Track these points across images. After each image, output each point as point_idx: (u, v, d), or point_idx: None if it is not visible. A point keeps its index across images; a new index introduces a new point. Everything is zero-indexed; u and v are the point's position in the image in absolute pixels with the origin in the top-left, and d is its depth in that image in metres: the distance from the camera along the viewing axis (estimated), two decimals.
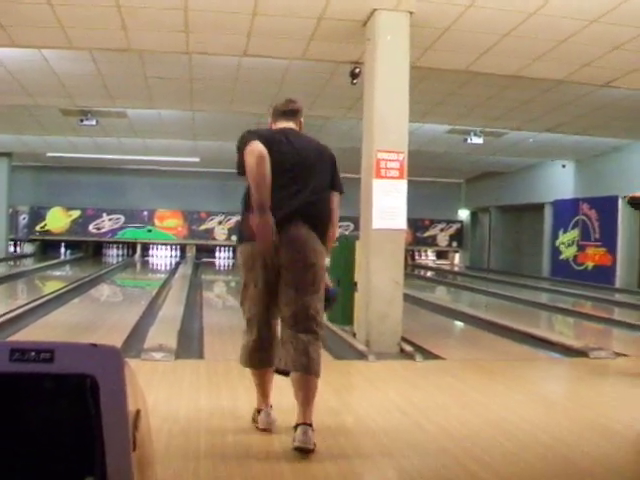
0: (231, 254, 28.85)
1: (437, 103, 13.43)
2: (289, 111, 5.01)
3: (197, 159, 24.02)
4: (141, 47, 9.90)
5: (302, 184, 4.58)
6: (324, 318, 4.74)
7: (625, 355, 8.35)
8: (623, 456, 4.58)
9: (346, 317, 9.24)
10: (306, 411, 4.33)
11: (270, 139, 4.54)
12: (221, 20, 8.69)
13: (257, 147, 4.32)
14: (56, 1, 8.03)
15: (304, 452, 4.20)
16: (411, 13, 8.18)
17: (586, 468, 4.22)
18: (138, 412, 2.22)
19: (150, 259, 28.34)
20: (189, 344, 8.36)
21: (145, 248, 28.79)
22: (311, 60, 10.19)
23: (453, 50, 9.51)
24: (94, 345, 2.06)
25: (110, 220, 28.21)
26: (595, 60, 9.70)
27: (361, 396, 6.27)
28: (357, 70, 9.70)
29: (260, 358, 4.65)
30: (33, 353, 2.00)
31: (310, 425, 4.29)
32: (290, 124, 4.94)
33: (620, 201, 19.40)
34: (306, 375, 4.36)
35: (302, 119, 5.10)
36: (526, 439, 4.77)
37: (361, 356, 7.69)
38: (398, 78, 8.24)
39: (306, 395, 4.36)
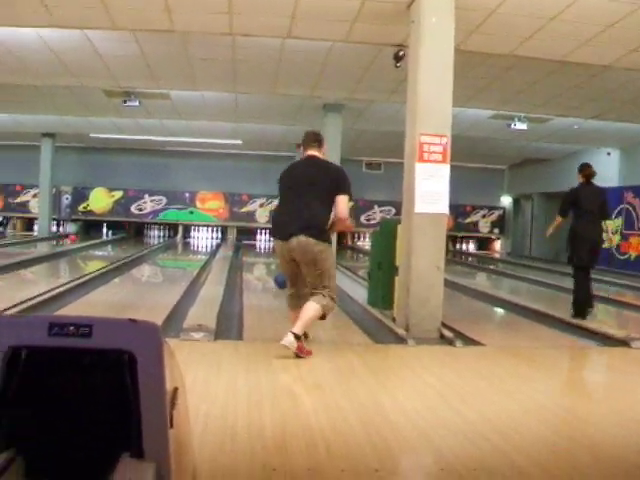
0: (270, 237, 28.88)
1: (481, 88, 13.30)
2: (313, 142, 7.05)
3: (239, 141, 24.07)
4: (184, 28, 9.91)
5: (303, 200, 6.67)
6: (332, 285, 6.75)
7: None
8: None
9: (386, 301, 9.20)
10: (297, 324, 6.45)
11: (290, 169, 7.19)
12: (264, 1, 8.66)
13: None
14: None
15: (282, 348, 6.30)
16: None
17: (635, 463, 4.15)
18: (176, 390, 2.21)
19: (191, 240, 28.49)
20: (229, 325, 8.39)
21: (186, 229, 28.94)
22: (355, 42, 10.14)
23: (498, 34, 9.39)
24: (133, 321, 2.05)
25: (152, 201, 28.37)
26: None
27: (399, 380, 6.24)
28: (401, 53, 9.61)
29: (292, 304, 7.02)
30: (72, 327, 2.00)
31: (294, 334, 6.36)
32: (314, 152, 7.00)
33: None
34: (308, 303, 6.56)
35: (325, 146, 7.20)
36: (565, 428, 4.72)
37: (400, 340, 7.66)
38: (442, 61, 8.15)
39: (303, 314, 6.52)
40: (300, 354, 6.39)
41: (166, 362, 2.08)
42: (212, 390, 5.21)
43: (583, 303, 9.62)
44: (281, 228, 6.80)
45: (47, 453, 2.14)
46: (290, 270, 6.89)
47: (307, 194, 6.67)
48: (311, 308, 6.53)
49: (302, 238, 6.56)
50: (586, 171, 9.81)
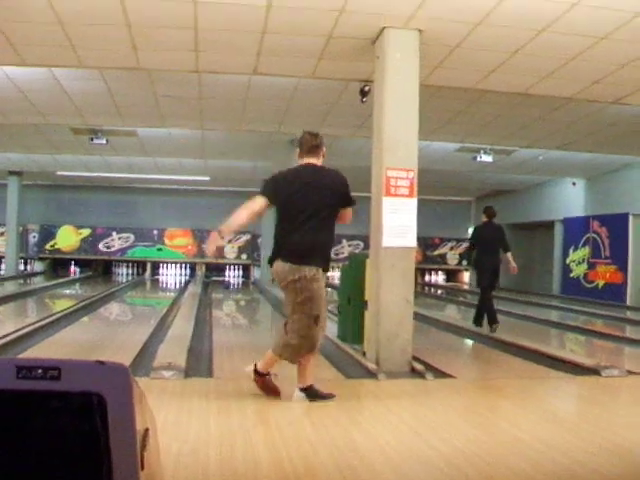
0: (241, 272, 28.86)
1: (447, 121, 13.43)
2: (312, 148, 6.32)
3: (207, 178, 24.08)
4: (151, 66, 9.93)
5: (305, 222, 6.03)
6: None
7: (637, 373, 8.28)
8: (638, 477, 4.52)
9: (357, 335, 9.19)
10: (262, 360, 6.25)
11: (282, 184, 6.24)
12: (230, 39, 8.71)
13: (257, 203, 6.21)
14: (67, 20, 8.06)
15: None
16: (420, 31, 8.18)
17: None
18: (146, 431, 2.19)
19: (160, 278, 28.37)
20: (199, 363, 8.34)
21: (155, 267, 28.82)
22: (321, 78, 10.21)
23: (462, 68, 9.50)
24: (101, 362, 2.04)
25: (120, 239, 28.25)
26: (605, 77, 9.68)
27: (371, 414, 6.22)
28: (367, 88, 9.69)
29: None
30: (40, 370, 1.98)
31: (255, 368, 6.23)
32: (312, 160, 6.29)
33: (631, 218, 19.36)
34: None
35: (324, 149, 6.43)
36: (540, 459, 4.72)
37: (371, 375, 7.64)
38: (408, 96, 8.23)
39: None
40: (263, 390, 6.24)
41: (136, 403, 2.06)
42: (183, 429, 5.16)
43: (482, 315, 11.96)
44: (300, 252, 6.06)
45: None
46: None
47: (311, 218, 6.03)
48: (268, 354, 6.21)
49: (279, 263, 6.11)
50: (488, 212, 12.47)
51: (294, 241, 6.04)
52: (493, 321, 11.65)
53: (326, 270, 6.26)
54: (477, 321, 12.07)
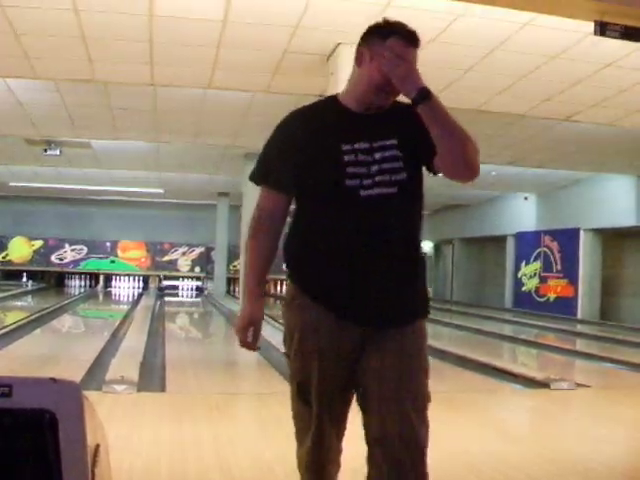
0: (194, 285, 28.78)
1: None
2: None
3: (161, 190, 23.98)
4: (106, 78, 9.90)
5: None
6: None
7: (587, 386, 8.41)
8: None
9: None
10: None
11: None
12: (185, 53, 8.72)
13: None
14: (21, 31, 8.02)
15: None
16: None
17: None
18: (97, 447, 2.21)
19: (113, 290, 28.15)
20: (151, 376, 8.30)
21: (108, 279, 28.63)
22: (276, 93, 10.25)
23: None
24: (53, 380, 2.05)
25: (73, 251, 28.03)
26: (555, 95, 9.85)
27: None
28: None
29: None
30: None
31: None
32: None
33: (582, 233, 19.67)
34: None
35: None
36: (489, 472, 4.78)
37: None
38: None
39: None
40: None
41: (87, 420, 2.07)
42: (135, 443, 5.14)
43: None
44: None
45: None
46: None
47: None
48: None
49: None
50: None
51: None
52: None
53: None
54: None
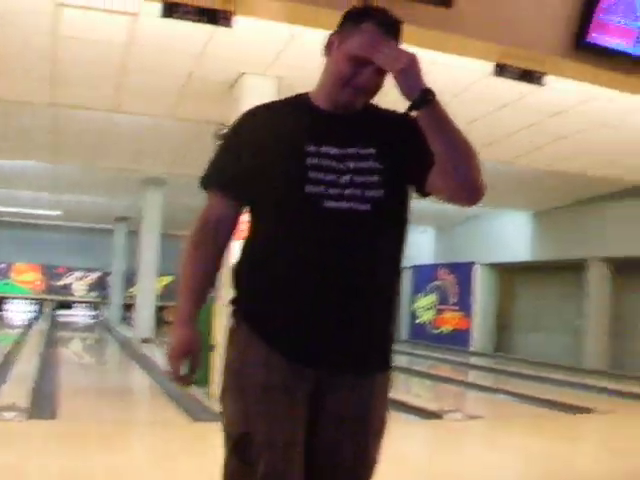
0: (88, 311, 28.30)
1: None
2: None
3: (59, 212, 23.53)
4: (4, 97, 9.70)
5: None
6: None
7: (479, 417, 8.57)
8: None
9: (203, 378, 9.12)
10: None
11: None
12: (86, 74, 8.62)
13: None
14: None
15: None
16: (280, 78, 8.31)
17: None
18: None
19: (5, 313, 27.40)
20: (43, 403, 8.09)
21: (0, 302, 27.84)
22: (180, 119, 10.21)
23: None
24: None
25: None
26: None
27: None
28: (222, 131, 9.74)
29: None
30: None
31: None
32: None
33: (477, 267, 20.11)
34: None
35: None
36: None
37: (218, 417, 7.58)
38: None
39: None
40: None
41: None
42: (23, 472, 5.02)
43: None
44: None
45: None
46: None
47: None
48: None
49: None
50: None
51: None
52: None
53: None
54: None
